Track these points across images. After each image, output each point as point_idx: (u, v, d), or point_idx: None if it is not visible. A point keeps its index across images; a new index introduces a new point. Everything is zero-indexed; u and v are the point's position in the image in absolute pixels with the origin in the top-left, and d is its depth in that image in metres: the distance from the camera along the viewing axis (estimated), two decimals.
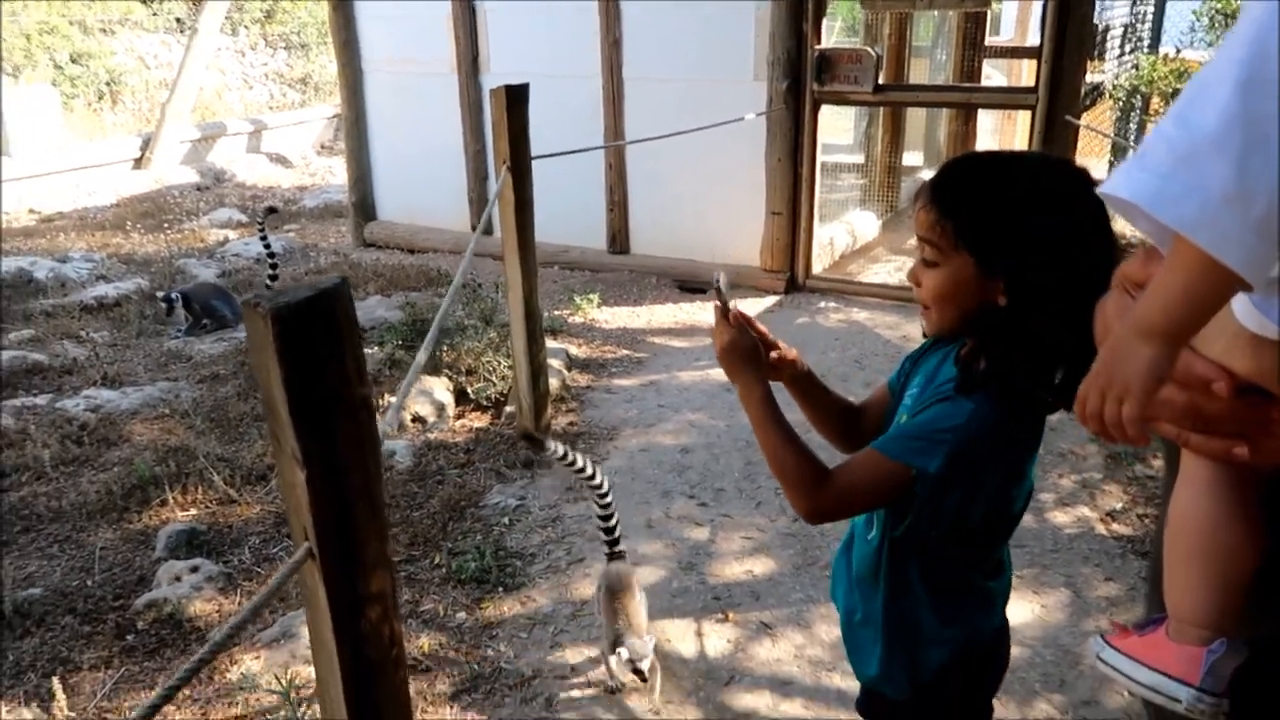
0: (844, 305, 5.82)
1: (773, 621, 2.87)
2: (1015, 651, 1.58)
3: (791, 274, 6.04)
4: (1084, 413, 0.85)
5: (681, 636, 2.81)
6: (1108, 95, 7.81)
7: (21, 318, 5.66)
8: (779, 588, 3.04)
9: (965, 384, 1.29)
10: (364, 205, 7.45)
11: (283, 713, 2.41)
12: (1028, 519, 1.43)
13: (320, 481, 1.20)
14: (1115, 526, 3.34)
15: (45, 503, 3.56)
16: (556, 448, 2.58)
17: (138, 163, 10.14)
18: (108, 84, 12.04)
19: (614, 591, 2.51)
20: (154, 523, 3.42)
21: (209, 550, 3.26)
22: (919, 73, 8.43)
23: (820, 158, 5.98)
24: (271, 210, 6.49)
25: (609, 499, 2.63)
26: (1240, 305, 0.79)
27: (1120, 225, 1.28)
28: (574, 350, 5.06)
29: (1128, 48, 8.49)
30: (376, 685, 1.40)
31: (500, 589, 3.04)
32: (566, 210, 6.17)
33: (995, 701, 1.64)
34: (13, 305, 5.85)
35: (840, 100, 5.96)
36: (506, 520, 3.43)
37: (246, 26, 13.78)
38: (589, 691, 2.60)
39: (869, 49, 5.76)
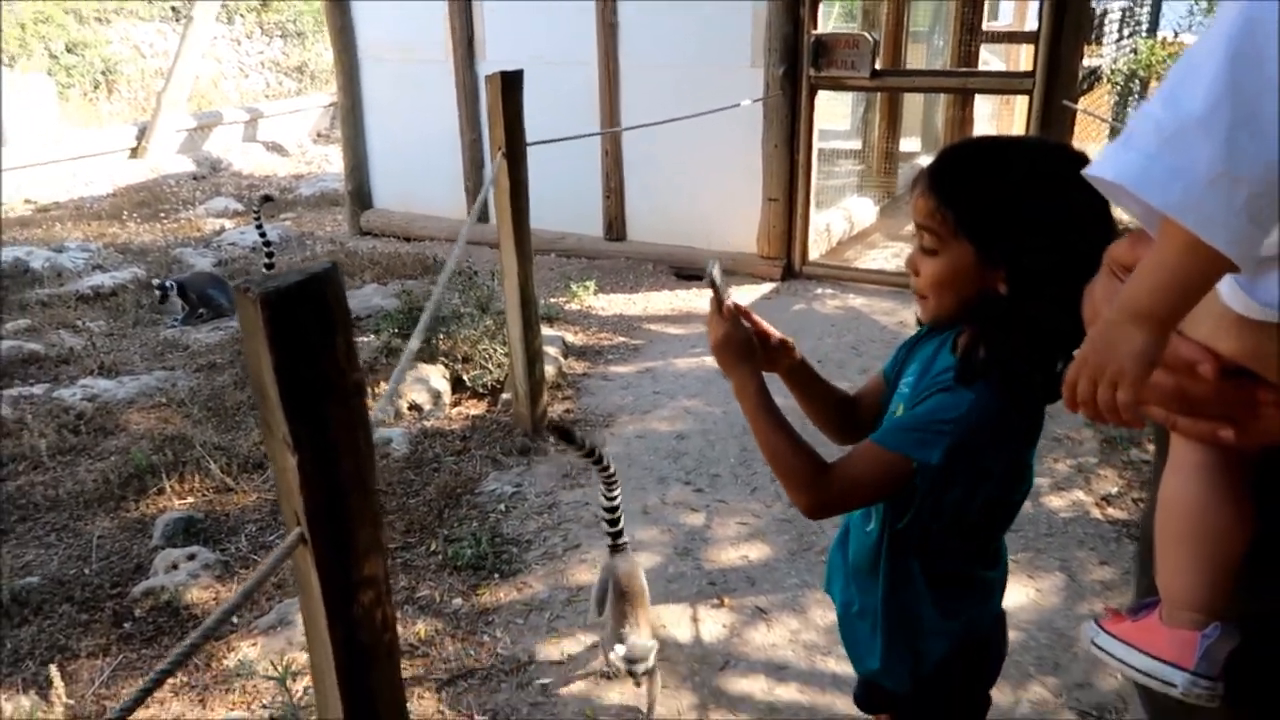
0: (841, 292, 5.82)
1: (768, 607, 2.88)
2: (1010, 635, 1.58)
3: (788, 261, 6.03)
4: (1074, 398, 0.84)
5: (677, 622, 2.82)
6: (1106, 79, 7.79)
7: (18, 307, 5.66)
8: (774, 573, 3.04)
9: (965, 373, 1.28)
10: (360, 193, 7.43)
11: (280, 699, 2.42)
12: (1023, 503, 1.43)
13: (311, 466, 1.20)
14: (1110, 511, 3.35)
15: (42, 492, 3.56)
16: (585, 441, 2.49)
17: (134, 152, 10.10)
18: (103, 73, 12.00)
19: (622, 590, 2.45)
20: (151, 511, 3.43)
21: (206, 538, 3.26)
22: (916, 58, 8.41)
23: (817, 144, 5.97)
24: (267, 199, 6.47)
25: (618, 495, 2.56)
26: (1226, 287, 0.79)
27: (1119, 209, 1.28)
28: (570, 337, 5.06)
29: (1126, 32, 8.47)
30: (370, 670, 1.41)
31: (496, 575, 3.04)
32: (562, 197, 6.16)
33: None
34: (9, 295, 5.84)
35: (837, 86, 5.95)
36: (503, 507, 3.44)
37: (242, 15, 13.72)
38: (585, 678, 2.61)
39: (866, 34, 5.75)
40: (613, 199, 6.49)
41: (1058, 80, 5.22)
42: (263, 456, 3.74)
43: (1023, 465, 1.38)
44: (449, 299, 5.01)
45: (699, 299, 5.77)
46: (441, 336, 4.56)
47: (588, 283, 5.83)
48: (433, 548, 3.18)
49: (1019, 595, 2.86)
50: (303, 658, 2.54)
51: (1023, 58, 9.06)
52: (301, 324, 1.16)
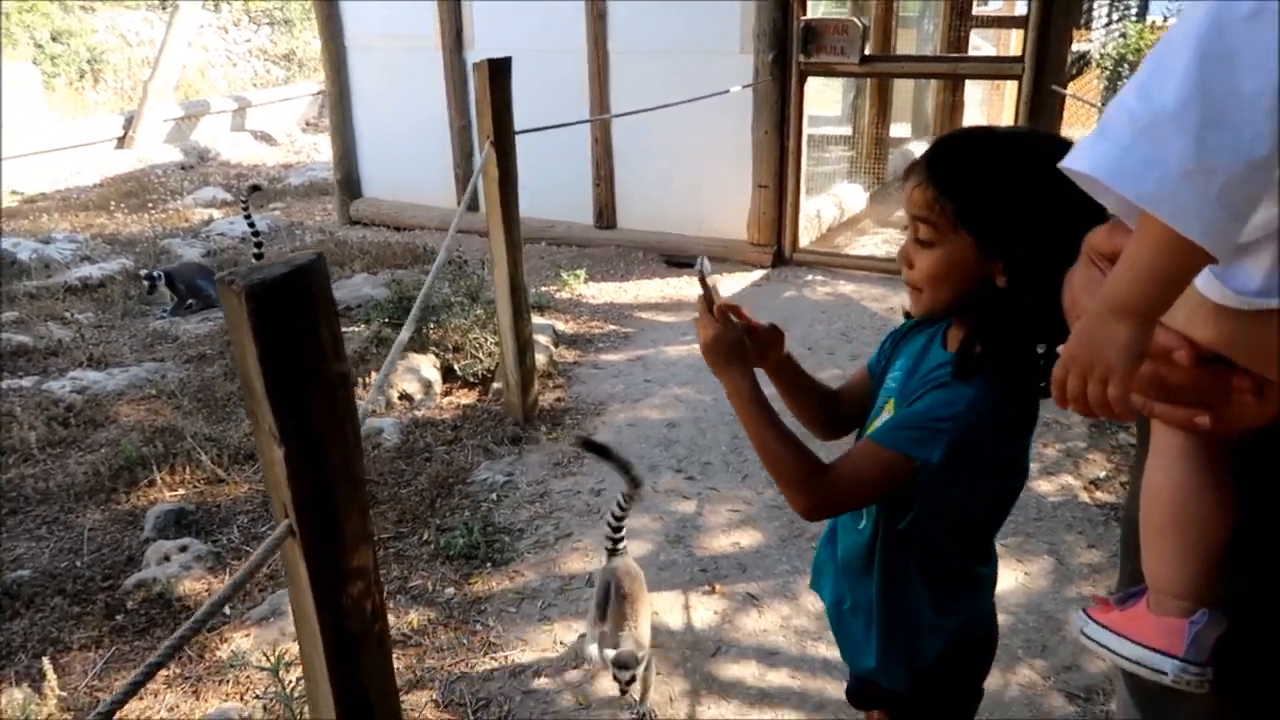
0: (831, 278, 5.82)
1: (759, 593, 2.90)
2: (999, 619, 1.58)
3: (778, 247, 6.04)
4: (1063, 394, 0.84)
5: (669, 609, 2.83)
6: (1095, 64, 7.79)
7: (5, 299, 5.63)
8: (765, 560, 3.06)
9: (964, 369, 1.26)
10: (349, 182, 7.40)
11: (273, 689, 2.42)
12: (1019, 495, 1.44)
13: (298, 458, 1.21)
14: (1099, 494, 3.37)
15: (33, 484, 3.56)
16: (618, 456, 2.46)
17: (121, 142, 10.04)
18: (89, 62, 11.91)
19: (624, 594, 2.41)
20: (142, 503, 3.42)
21: (197, 530, 3.26)
22: (906, 43, 8.39)
23: (807, 130, 5.96)
24: (255, 188, 6.45)
25: (631, 506, 2.54)
26: (1201, 275, 0.79)
27: None
28: (561, 326, 5.06)
29: (1115, 16, 8.46)
30: (360, 659, 1.41)
31: (488, 564, 3.05)
32: (553, 185, 6.15)
33: None
34: None
35: (826, 72, 5.94)
36: (494, 496, 3.44)
37: (229, 2, 13.63)
38: (578, 667, 2.62)
39: (855, 19, 5.73)
40: (603, 187, 6.48)
41: (1047, 65, 5.22)
42: (254, 447, 3.73)
43: (1021, 457, 1.37)
44: (439, 288, 4.99)
45: (689, 287, 5.77)
46: (432, 326, 4.55)
47: (578, 271, 5.82)
48: (425, 537, 3.19)
49: (1007, 579, 2.88)
50: (296, 648, 2.54)
51: (1013, 42, 9.04)
52: (286, 316, 1.16)
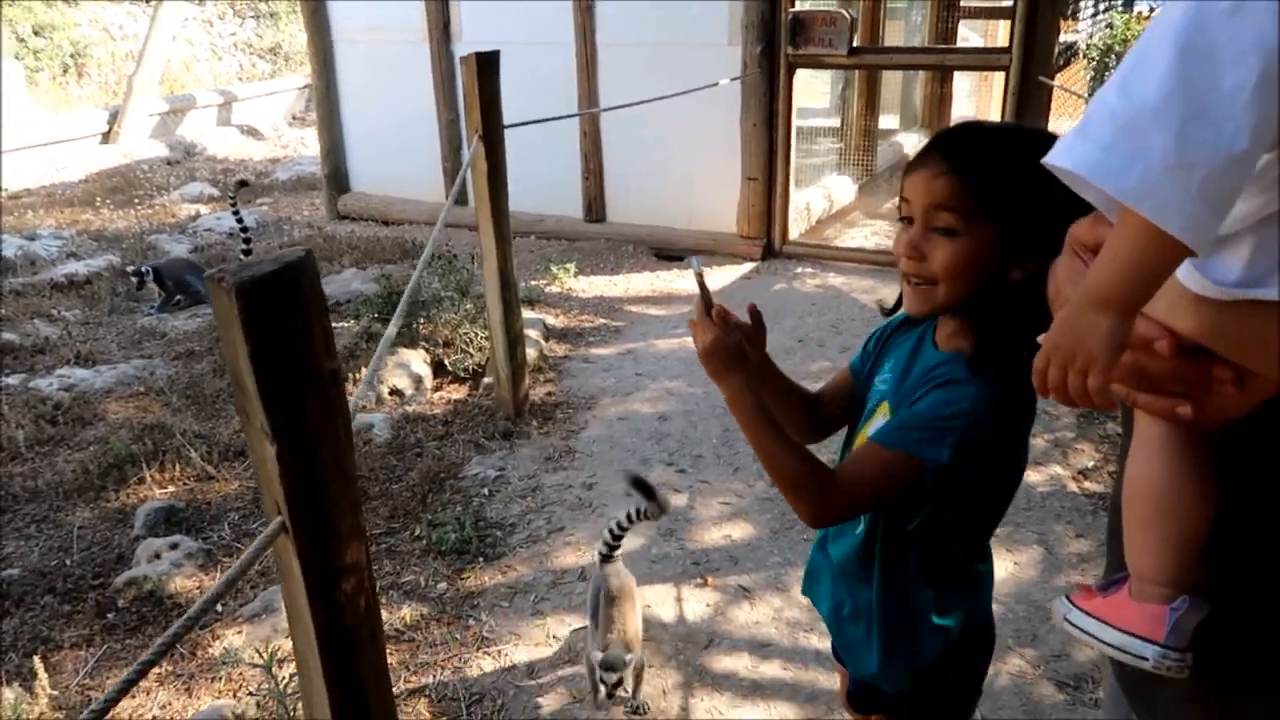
0: (820, 270, 5.83)
1: (751, 585, 2.91)
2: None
3: (768, 240, 6.04)
4: (1044, 384, 0.86)
5: (661, 601, 2.84)
6: (1082, 55, 7.82)
7: None
8: (757, 552, 3.07)
9: (982, 364, 1.23)
10: (337, 177, 7.37)
11: (265, 686, 2.42)
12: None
13: (290, 455, 1.20)
14: (1087, 484, 3.39)
15: (21, 483, 3.54)
16: (660, 495, 2.42)
17: (106, 137, 9.98)
18: (72, 56, 11.83)
19: (612, 597, 2.39)
20: (132, 501, 3.41)
21: (188, 527, 3.25)
22: (894, 35, 8.40)
23: (796, 122, 5.97)
24: (243, 184, 6.40)
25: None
26: (1182, 266, 0.80)
27: None
28: (551, 320, 5.05)
29: (1102, 6, 8.48)
30: (355, 655, 1.41)
31: (481, 559, 3.05)
32: (542, 179, 6.14)
33: None
34: None
35: (815, 64, 5.94)
36: (486, 491, 3.44)
37: None
38: (571, 661, 2.62)
39: (843, 11, 5.73)
40: (592, 180, 6.47)
41: (1034, 56, 5.24)
42: (244, 444, 3.72)
43: (1021, 455, 1.36)
44: (429, 283, 4.99)
45: (679, 280, 5.78)
46: (422, 321, 4.55)
47: (568, 265, 5.82)
48: (417, 533, 3.19)
49: (997, 569, 2.88)
50: (288, 644, 2.54)
51: (1001, 33, 9.06)
52: (277, 313, 1.15)
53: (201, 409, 4.10)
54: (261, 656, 2.35)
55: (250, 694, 2.50)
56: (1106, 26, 8.36)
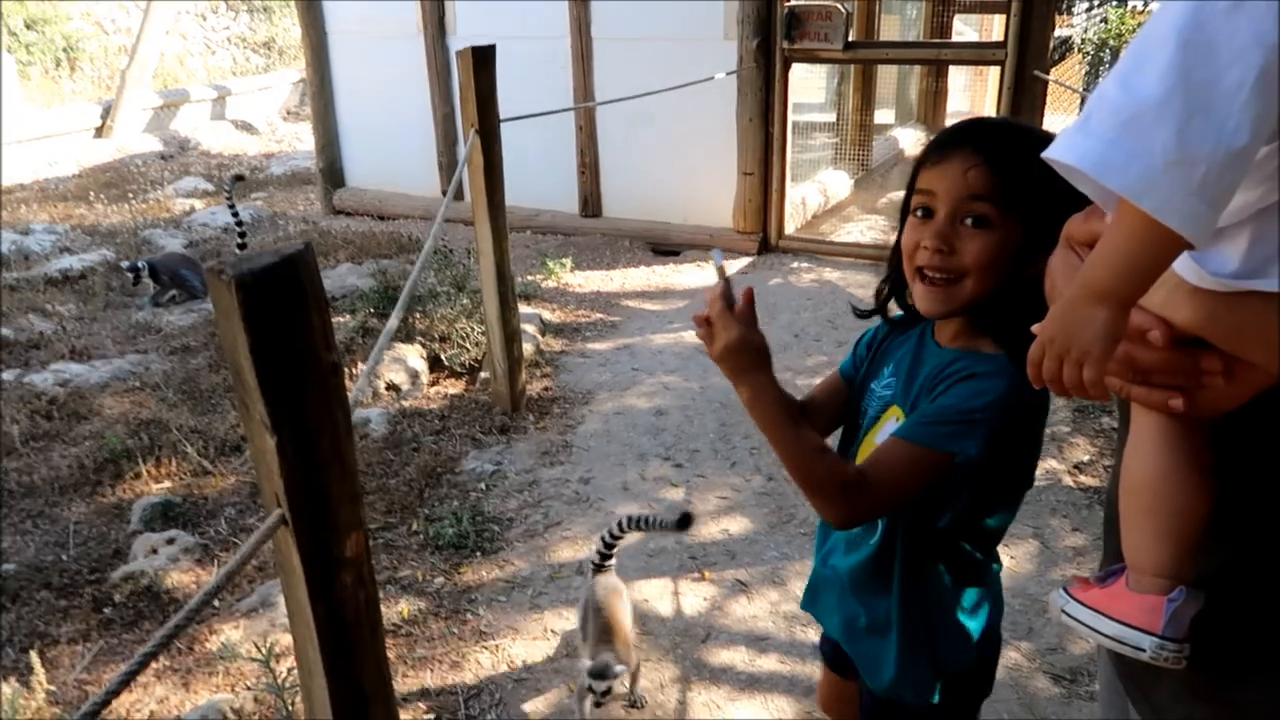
0: (816, 265, 5.84)
1: (748, 579, 2.91)
2: None
3: (764, 235, 6.04)
4: (1039, 375, 0.86)
5: (659, 596, 2.84)
6: (1077, 49, 7.82)
7: None
8: (754, 546, 3.07)
9: (1015, 355, 1.19)
10: (332, 172, 7.35)
11: (264, 680, 2.42)
12: None
13: (290, 447, 1.20)
14: (1082, 478, 3.40)
15: (16, 478, 3.53)
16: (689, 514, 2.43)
17: (99, 131, 9.92)
18: (65, 50, 11.77)
19: (599, 607, 2.37)
20: (128, 496, 3.41)
21: (185, 522, 3.25)
22: (890, 29, 8.40)
23: (792, 117, 5.96)
24: (239, 178, 6.38)
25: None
26: (1180, 257, 0.80)
27: None
28: (547, 315, 5.05)
29: (1096, 1, 8.49)
30: (354, 649, 1.41)
31: (478, 554, 3.05)
32: (537, 174, 6.13)
33: None
34: None
35: (810, 58, 5.93)
36: (483, 486, 3.44)
37: None
38: (568, 655, 2.63)
39: (839, 5, 5.72)
40: (588, 175, 6.46)
41: (1029, 50, 5.24)
42: (240, 439, 3.72)
43: (1038, 449, 1.35)
44: (425, 278, 4.98)
45: (676, 275, 5.78)
46: (418, 315, 4.54)
47: (564, 260, 5.81)
48: (414, 527, 3.19)
49: None
50: (286, 639, 2.55)
51: (996, 28, 9.06)
52: (277, 306, 1.15)
53: (198, 404, 4.09)
54: (260, 651, 2.35)
55: (248, 688, 2.50)
56: (1101, 21, 8.37)
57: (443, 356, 4.35)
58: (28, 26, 11.43)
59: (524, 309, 4.63)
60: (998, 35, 8.04)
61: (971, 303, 1.24)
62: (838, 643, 1.59)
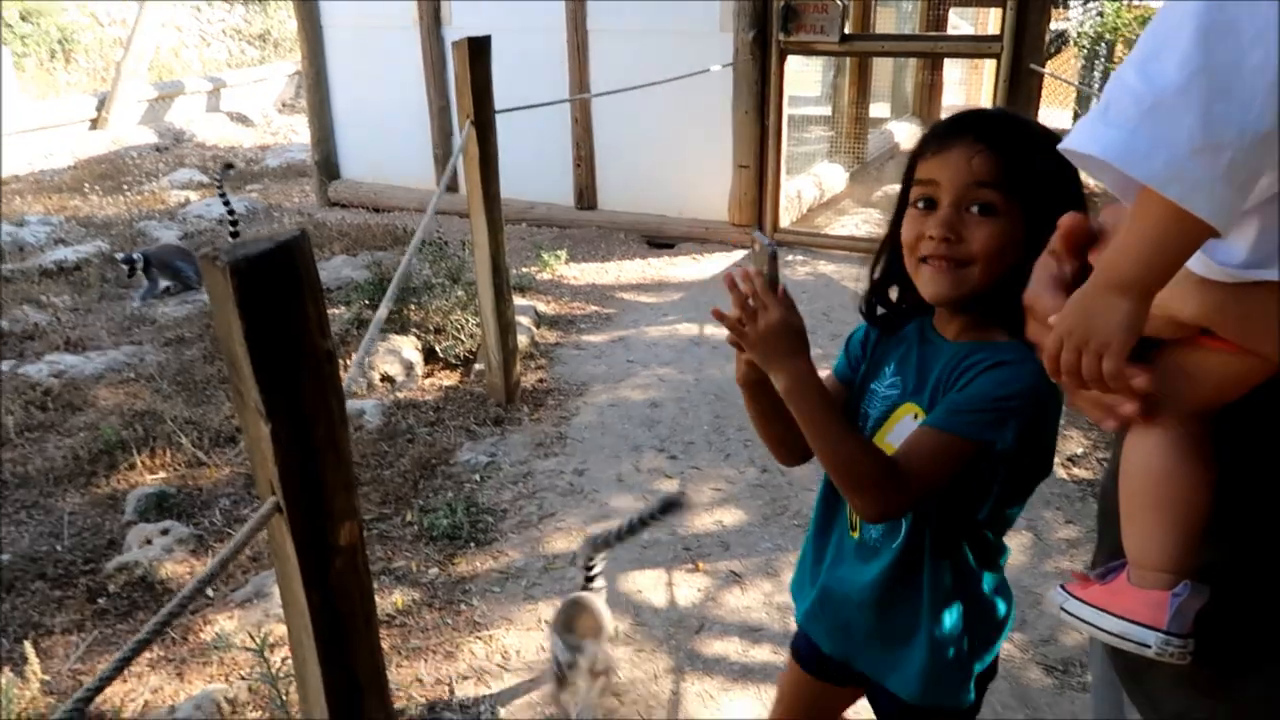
0: (811, 258, 5.84)
1: (742, 570, 2.92)
2: None
3: (759, 227, 6.04)
4: (1056, 367, 0.85)
5: (652, 587, 2.85)
6: (1072, 43, 7.82)
7: None
8: (748, 537, 3.08)
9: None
10: (327, 164, 7.34)
11: (258, 670, 2.43)
12: None
13: (285, 434, 1.20)
14: (1076, 471, 3.41)
15: (11, 469, 3.52)
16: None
17: (94, 123, 9.89)
18: (60, 42, 11.72)
19: (575, 602, 2.32)
20: (122, 486, 3.40)
21: (179, 513, 3.25)
22: (886, 22, 8.40)
23: (788, 110, 5.96)
24: (229, 166, 6.34)
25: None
26: None
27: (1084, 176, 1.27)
28: (542, 307, 5.05)
29: None
30: (349, 639, 1.42)
31: (472, 545, 3.06)
32: (533, 166, 6.13)
33: None
34: None
35: (806, 50, 5.92)
36: (477, 477, 3.45)
37: None
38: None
39: None
40: (583, 167, 6.45)
41: (1025, 44, 5.24)
42: (234, 430, 3.71)
43: (1056, 433, 1.33)
44: (420, 270, 4.97)
45: (671, 267, 5.78)
46: (413, 307, 4.54)
47: (559, 252, 5.81)
48: (408, 518, 3.19)
49: None
50: (280, 629, 2.55)
51: (991, 21, 9.06)
52: (271, 292, 1.15)
53: (192, 395, 4.09)
54: (254, 641, 2.35)
55: (242, 678, 2.50)
56: (1097, 14, 8.37)
57: (438, 348, 4.35)
58: (23, 18, 11.37)
59: (519, 301, 4.63)
60: (993, 28, 8.05)
61: (977, 290, 1.22)
62: (818, 646, 1.55)
